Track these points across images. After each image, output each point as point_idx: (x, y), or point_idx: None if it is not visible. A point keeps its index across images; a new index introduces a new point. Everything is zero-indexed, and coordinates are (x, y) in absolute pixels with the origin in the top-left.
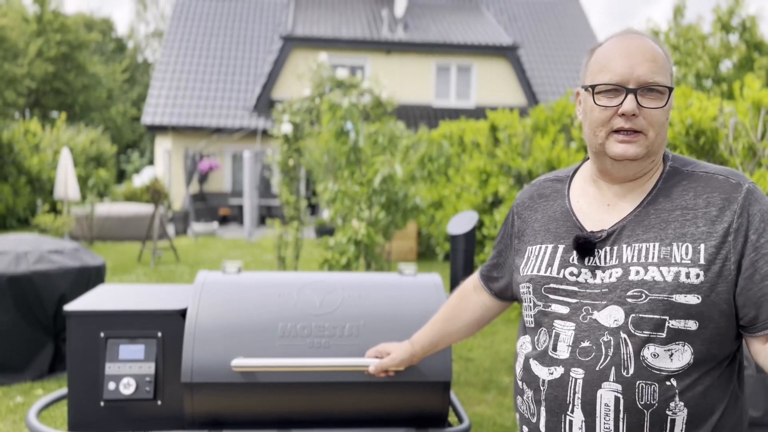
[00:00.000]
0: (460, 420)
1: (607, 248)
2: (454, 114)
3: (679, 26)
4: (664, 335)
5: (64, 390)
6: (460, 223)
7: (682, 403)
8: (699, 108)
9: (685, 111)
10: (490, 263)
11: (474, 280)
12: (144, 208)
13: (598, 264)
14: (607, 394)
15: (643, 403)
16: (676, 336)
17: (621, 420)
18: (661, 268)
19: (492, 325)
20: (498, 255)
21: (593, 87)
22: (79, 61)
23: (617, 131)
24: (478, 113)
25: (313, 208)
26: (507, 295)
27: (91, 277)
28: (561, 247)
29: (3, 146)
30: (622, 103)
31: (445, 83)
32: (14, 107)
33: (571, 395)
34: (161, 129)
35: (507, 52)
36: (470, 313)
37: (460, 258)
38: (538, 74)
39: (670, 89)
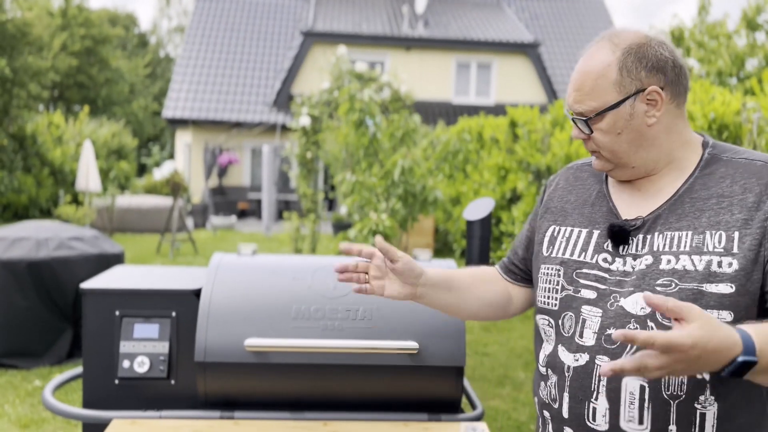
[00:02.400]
0: (473, 407)
1: (641, 236)
2: (473, 111)
3: (703, 23)
4: None
5: (79, 369)
6: (477, 209)
7: (712, 397)
8: (722, 102)
9: (708, 105)
10: (518, 246)
11: (497, 272)
12: (163, 201)
13: (631, 252)
14: (633, 382)
15: (669, 393)
16: None
17: (646, 409)
18: (693, 256)
19: (508, 322)
20: (527, 237)
21: None
22: (102, 55)
23: None
24: (498, 110)
25: (331, 204)
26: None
27: (110, 264)
28: (596, 233)
29: (27, 138)
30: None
31: (465, 80)
32: (38, 100)
33: (596, 382)
34: (182, 123)
35: (528, 50)
36: (492, 294)
37: (476, 245)
38: (559, 72)
39: (588, 119)
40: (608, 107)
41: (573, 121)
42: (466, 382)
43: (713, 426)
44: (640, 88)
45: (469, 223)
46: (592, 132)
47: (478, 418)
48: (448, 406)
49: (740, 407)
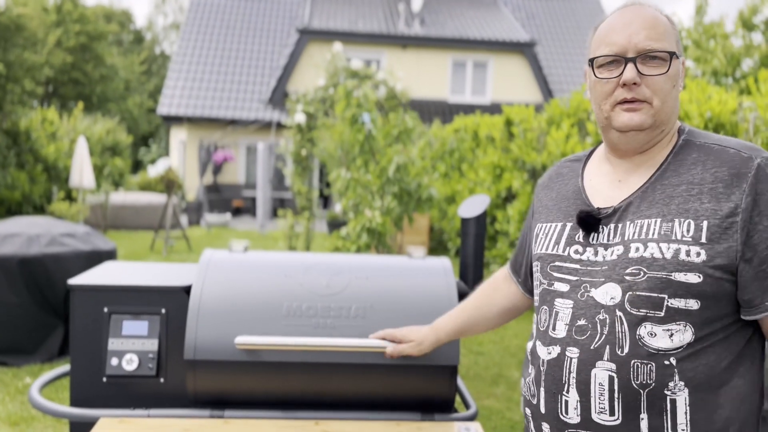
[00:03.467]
0: (467, 406)
1: (612, 225)
2: (469, 110)
3: (701, 23)
4: (662, 314)
5: (67, 366)
6: (472, 206)
7: (682, 383)
8: (719, 101)
9: (704, 104)
10: (516, 250)
11: (504, 270)
12: (158, 198)
13: (602, 241)
14: (602, 373)
15: (638, 382)
16: (676, 315)
17: (616, 400)
18: (661, 244)
19: None
20: (522, 238)
21: (593, 60)
22: (97, 52)
23: (621, 102)
24: (494, 109)
25: (326, 201)
26: (530, 284)
27: (102, 261)
28: (569, 225)
29: (20, 134)
30: (622, 73)
31: (461, 79)
32: (32, 96)
33: (567, 375)
34: (177, 120)
35: (524, 49)
36: (500, 303)
37: (471, 243)
38: (555, 71)
39: (672, 54)
40: (675, 53)
41: (632, 60)
42: (460, 381)
43: (686, 413)
44: (680, 54)
45: (464, 221)
46: (668, 70)
47: (471, 418)
48: (441, 406)
49: (712, 392)
